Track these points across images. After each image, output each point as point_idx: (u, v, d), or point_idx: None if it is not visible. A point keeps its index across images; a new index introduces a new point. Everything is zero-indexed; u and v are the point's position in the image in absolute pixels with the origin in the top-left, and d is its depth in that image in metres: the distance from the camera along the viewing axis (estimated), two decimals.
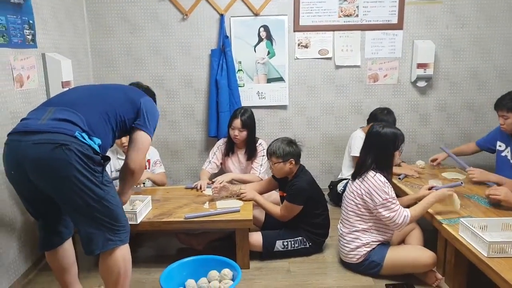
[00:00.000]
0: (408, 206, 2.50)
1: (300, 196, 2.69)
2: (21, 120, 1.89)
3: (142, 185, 3.22)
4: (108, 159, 1.89)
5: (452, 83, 4.01)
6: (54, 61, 2.89)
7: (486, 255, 1.94)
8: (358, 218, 2.49)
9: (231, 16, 3.83)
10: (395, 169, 3.19)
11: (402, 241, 2.68)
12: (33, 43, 2.75)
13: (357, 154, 3.42)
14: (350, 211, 2.53)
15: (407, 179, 3.15)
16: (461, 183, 2.67)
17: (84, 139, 1.79)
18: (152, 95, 2.50)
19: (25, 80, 2.65)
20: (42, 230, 2.06)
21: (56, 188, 1.78)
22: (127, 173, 2.12)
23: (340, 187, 3.60)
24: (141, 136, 2.09)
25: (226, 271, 2.34)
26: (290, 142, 2.77)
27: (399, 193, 2.98)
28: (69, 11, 3.43)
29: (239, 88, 3.89)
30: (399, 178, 3.12)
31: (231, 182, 3.12)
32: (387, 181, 2.40)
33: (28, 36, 2.68)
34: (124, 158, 3.14)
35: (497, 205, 2.52)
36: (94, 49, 3.87)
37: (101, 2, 3.78)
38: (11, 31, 2.49)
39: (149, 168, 3.27)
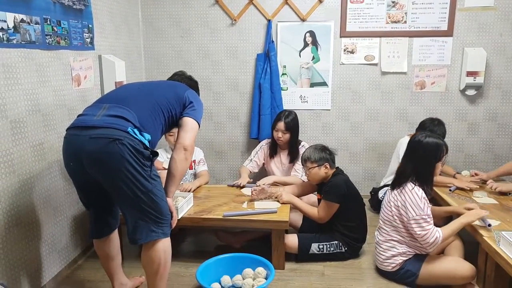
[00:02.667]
0: (440, 218, 2.44)
1: (336, 193, 2.71)
2: (77, 116, 2.04)
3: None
4: (156, 154, 2.01)
5: (505, 92, 3.84)
6: (109, 62, 3.09)
7: None
8: (394, 229, 2.47)
9: (278, 22, 3.90)
10: (451, 180, 3.13)
11: (441, 252, 2.61)
12: (91, 45, 2.96)
13: None
14: (386, 220, 2.51)
15: (457, 191, 3.05)
16: (490, 225, 2.36)
17: (136, 134, 1.92)
18: (195, 83, 2.61)
19: (82, 80, 2.86)
20: (93, 219, 2.21)
21: (109, 179, 1.92)
22: (180, 152, 2.11)
23: (381, 193, 3.56)
24: (189, 121, 2.17)
25: (260, 270, 2.40)
26: (324, 148, 2.83)
27: (441, 202, 2.92)
28: (125, 16, 3.65)
29: (282, 91, 3.96)
30: (450, 190, 3.01)
31: (273, 184, 3.18)
32: (425, 196, 2.34)
33: (87, 39, 2.89)
34: None
35: None
36: (147, 51, 4.08)
37: (155, 7, 3.98)
38: (72, 35, 2.70)
39: (194, 169, 3.40)
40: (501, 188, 2.89)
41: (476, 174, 3.28)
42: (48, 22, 2.44)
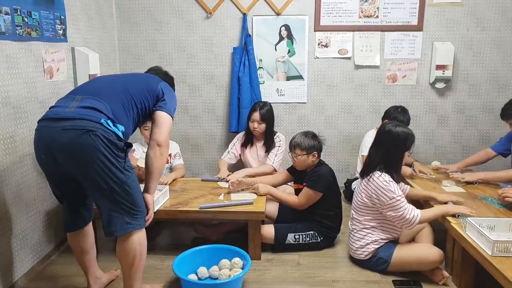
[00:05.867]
0: (414, 201, 2.52)
1: (321, 183, 2.76)
2: (50, 108, 2.01)
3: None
4: (130, 145, 2.00)
5: (472, 85, 3.99)
6: (82, 55, 3.04)
7: (490, 254, 1.97)
8: (366, 217, 2.53)
9: (254, 15, 3.91)
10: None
11: (412, 240, 2.69)
12: (63, 37, 2.90)
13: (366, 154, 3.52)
14: (358, 209, 2.57)
15: (421, 179, 3.16)
16: (458, 216, 2.41)
17: (109, 125, 1.90)
18: (170, 79, 2.58)
19: (55, 72, 2.81)
20: (67, 212, 2.19)
21: (82, 171, 1.90)
22: (154, 148, 2.10)
23: (354, 185, 3.64)
24: (162, 115, 2.16)
25: (237, 260, 2.43)
26: (314, 136, 2.86)
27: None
28: (99, 8, 3.59)
29: (259, 85, 3.98)
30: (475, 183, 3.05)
31: (245, 177, 3.20)
32: (392, 180, 2.41)
33: (59, 31, 2.84)
34: None
35: (510, 207, 2.53)
36: (122, 44, 4.03)
37: None
38: (44, 26, 2.65)
39: (169, 162, 3.39)
40: (468, 178, 3.01)
41: (439, 168, 3.38)
42: (19, 12, 2.38)
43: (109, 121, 1.92)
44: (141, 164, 2.93)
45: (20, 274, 2.48)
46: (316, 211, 2.84)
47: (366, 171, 2.53)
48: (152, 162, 2.13)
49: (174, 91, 2.52)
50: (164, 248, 2.97)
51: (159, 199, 2.66)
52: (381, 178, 2.40)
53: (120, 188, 1.91)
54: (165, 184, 3.00)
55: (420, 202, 2.80)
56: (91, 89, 2.07)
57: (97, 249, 2.41)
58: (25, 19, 2.45)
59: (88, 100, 1.96)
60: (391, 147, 2.46)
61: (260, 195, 2.88)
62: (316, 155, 2.82)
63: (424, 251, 2.45)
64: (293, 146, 2.85)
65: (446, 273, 2.42)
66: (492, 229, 2.21)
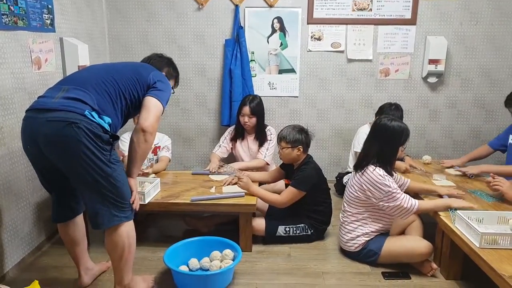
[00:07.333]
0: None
1: (306, 183, 2.75)
2: (38, 98, 1.98)
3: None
4: (117, 138, 1.96)
5: (464, 80, 4.00)
6: (71, 46, 3.00)
7: (478, 246, 1.99)
8: (358, 209, 2.54)
9: (246, 7, 3.89)
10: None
11: (402, 232, 2.71)
12: (51, 27, 2.86)
13: (359, 150, 3.52)
14: (350, 202, 2.58)
15: (412, 174, 3.17)
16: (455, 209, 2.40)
17: (94, 117, 1.87)
18: (167, 60, 2.52)
19: (43, 63, 2.77)
20: (55, 203, 2.17)
21: (66, 164, 1.88)
22: (139, 134, 2.03)
23: (345, 179, 3.65)
24: (150, 100, 2.08)
25: (227, 252, 2.43)
26: (301, 130, 2.85)
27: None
28: None
29: (252, 77, 3.96)
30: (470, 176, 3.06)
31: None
32: (386, 173, 2.42)
33: (46, 21, 2.79)
34: None
35: (500, 199, 2.56)
36: (112, 35, 3.98)
37: None
38: (31, 15, 2.61)
39: (157, 155, 3.35)
40: (471, 171, 3.01)
41: (430, 163, 3.44)
42: (4, 1, 2.34)
43: (93, 113, 1.88)
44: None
45: (11, 265, 2.47)
46: (306, 206, 2.84)
47: (360, 165, 2.52)
48: (134, 148, 2.06)
49: (176, 71, 2.50)
50: (155, 240, 2.97)
51: (150, 191, 2.65)
52: (375, 172, 2.41)
53: (106, 181, 1.89)
54: (143, 176, 2.93)
55: (419, 196, 2.80)
56: (78, 80, 2.03)
57: (88, 240, 2.41)
58: (11, 7, 2.41)
59: (73, 91, 1.93)
60: (386, 141, 2.46)
61: (244, 188, 2.80)
62: (302, 150, 2.81)
63: (414, 243, 2.47)
64: (279, 138, 2.86)
65: (434, 265, 2.44)
66: (480, 222, 2.22)
